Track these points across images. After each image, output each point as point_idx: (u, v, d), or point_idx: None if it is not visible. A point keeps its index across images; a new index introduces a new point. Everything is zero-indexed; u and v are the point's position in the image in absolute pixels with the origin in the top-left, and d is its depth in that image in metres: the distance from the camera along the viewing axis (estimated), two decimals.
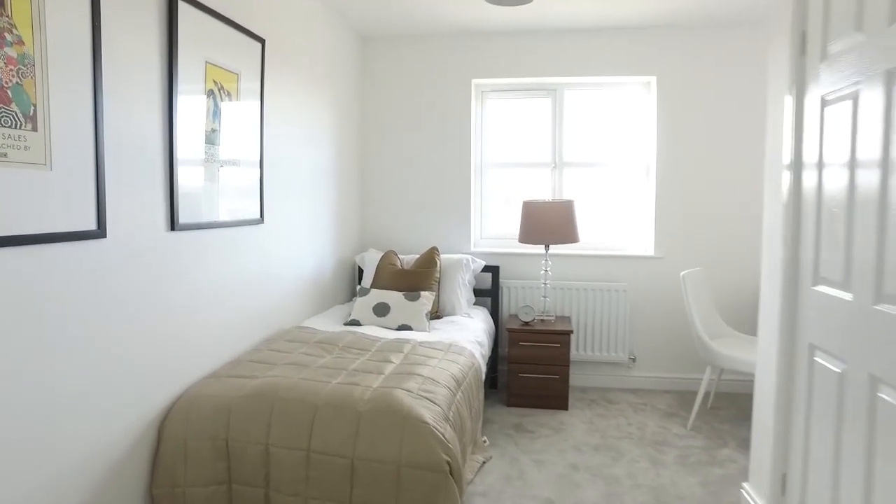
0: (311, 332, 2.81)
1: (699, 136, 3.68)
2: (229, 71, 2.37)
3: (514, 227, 4.02)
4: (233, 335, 2.51)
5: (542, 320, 3.60)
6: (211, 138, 2.27)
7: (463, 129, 3.90)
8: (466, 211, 3.94)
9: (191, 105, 2.13)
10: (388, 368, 2.31)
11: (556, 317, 3.71)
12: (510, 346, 3.45)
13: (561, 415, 3.37)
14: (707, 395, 3.65)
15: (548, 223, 3.45)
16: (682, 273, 3.17)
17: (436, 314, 3.41)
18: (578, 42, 3.73)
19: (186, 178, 2.12)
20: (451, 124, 3.91)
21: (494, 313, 3.81)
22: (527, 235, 3.53)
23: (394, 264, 3.52)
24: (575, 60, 3.74)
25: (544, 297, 3.63)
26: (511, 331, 3.45)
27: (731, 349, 3.02)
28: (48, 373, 1.59)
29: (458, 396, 2.24)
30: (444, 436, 1.89)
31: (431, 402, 2.02)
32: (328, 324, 3.13)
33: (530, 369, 3.43)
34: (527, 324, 3.53)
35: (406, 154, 3.98)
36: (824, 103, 1.79)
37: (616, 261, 3.81)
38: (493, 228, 4.09)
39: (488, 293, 3.86)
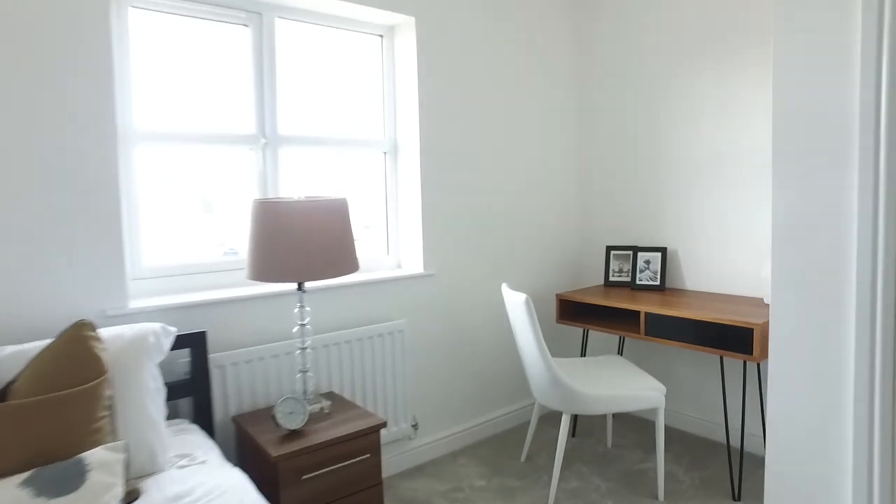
0: None
1: (472, 105, 2.76)
2: None
3: (211, 251, 2.19)
4: None
5: (312, 415, 2.02)
6: None
7: (93, 61, 1.79)
8: (110, 225, 1.86)
9: None
10: None
11: (324, 398, 2.16)
12: (283, 489, 1.76)
13: None
14: (522, 445, 2.87)
15: (308, 241, 1.88)
16: (525, 298, 2.23)
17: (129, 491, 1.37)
18: None
19: None
20: (62, 49, 1.73)
21: (202, 421, 1.95)
22: (269, 266, 1.86)
23: None
24: None
25: (304, 371, 2.04)
26: (280, 459, 1.75)
27: (588, 387, 2.29)
28: None
29: None
30: None
31: None
32: None
33: None
34: (295, 432, 1.89)
35: None
36: None
37: (387, 287, 2.53)
38: (162, 257, 2.12)
39: (185, 388, 1.94)
